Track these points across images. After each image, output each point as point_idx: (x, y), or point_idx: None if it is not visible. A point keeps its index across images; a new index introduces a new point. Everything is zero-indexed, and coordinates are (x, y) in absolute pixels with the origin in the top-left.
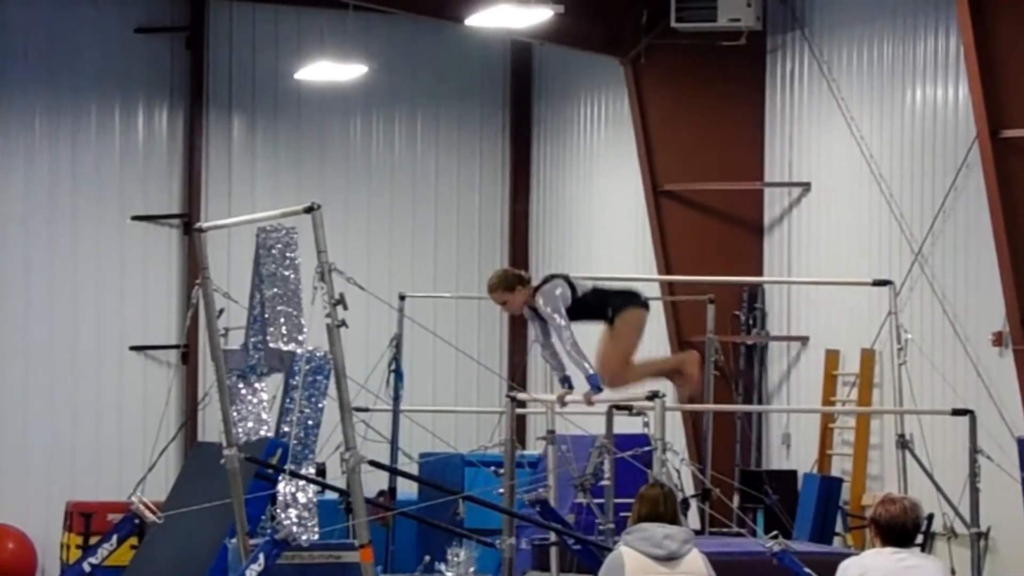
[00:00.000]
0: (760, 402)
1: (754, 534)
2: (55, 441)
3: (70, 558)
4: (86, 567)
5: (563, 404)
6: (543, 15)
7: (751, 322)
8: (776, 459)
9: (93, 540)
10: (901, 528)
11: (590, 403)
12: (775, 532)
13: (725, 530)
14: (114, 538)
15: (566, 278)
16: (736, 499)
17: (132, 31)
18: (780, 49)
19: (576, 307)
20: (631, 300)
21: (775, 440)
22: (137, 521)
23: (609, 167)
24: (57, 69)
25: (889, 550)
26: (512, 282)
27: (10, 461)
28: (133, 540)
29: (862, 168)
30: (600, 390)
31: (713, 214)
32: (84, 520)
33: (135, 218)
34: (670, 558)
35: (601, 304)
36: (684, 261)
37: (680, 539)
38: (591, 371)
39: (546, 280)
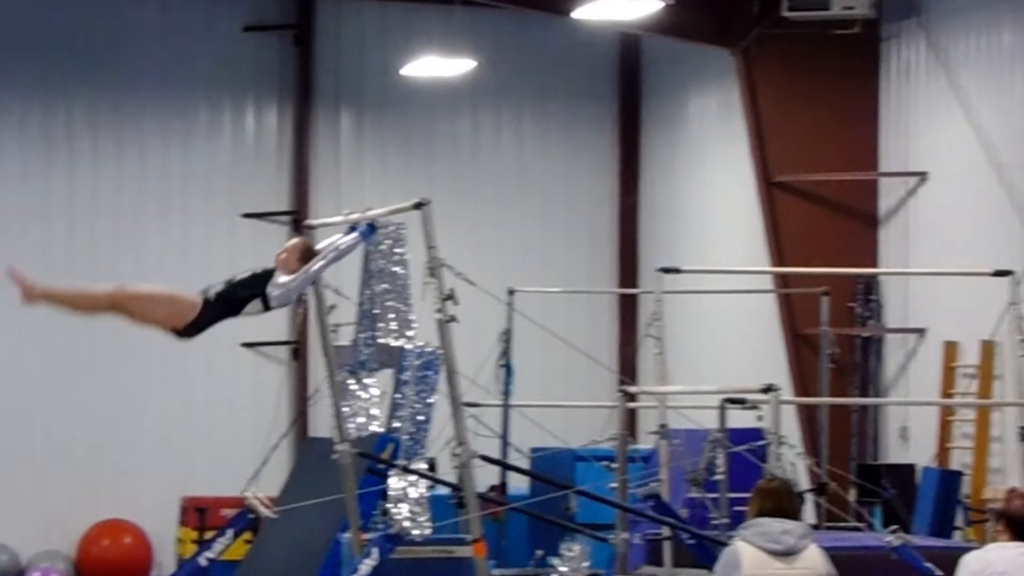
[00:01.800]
0: (876, 395)
1: (872, 528)
2: (169, 437)
3: (186, 553)
4: (202, 561)
5: None
6: (651, 7)
7: (867, 314)
8: (894, 453)
9: (208, 535)
10: None
11: None
12: (894, 526)
13: (842, 524)
14: (229, 533)
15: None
16: (853, 493)
17: (241, 29)
18: (895, 37)
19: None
20: None
21: (892, 433)
22: (251, 516)
23: (719, 159)
24: (168, 69)
25: (1014, 544)
26: (306, 259)
27: (126, 457)
28: (247, 535)
29: (980, 157)
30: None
31: (826, 205)
32: (199, 515)
33: (245, 215)
34: (788, 553)
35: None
36: (797, 253)
37: (798, 534)
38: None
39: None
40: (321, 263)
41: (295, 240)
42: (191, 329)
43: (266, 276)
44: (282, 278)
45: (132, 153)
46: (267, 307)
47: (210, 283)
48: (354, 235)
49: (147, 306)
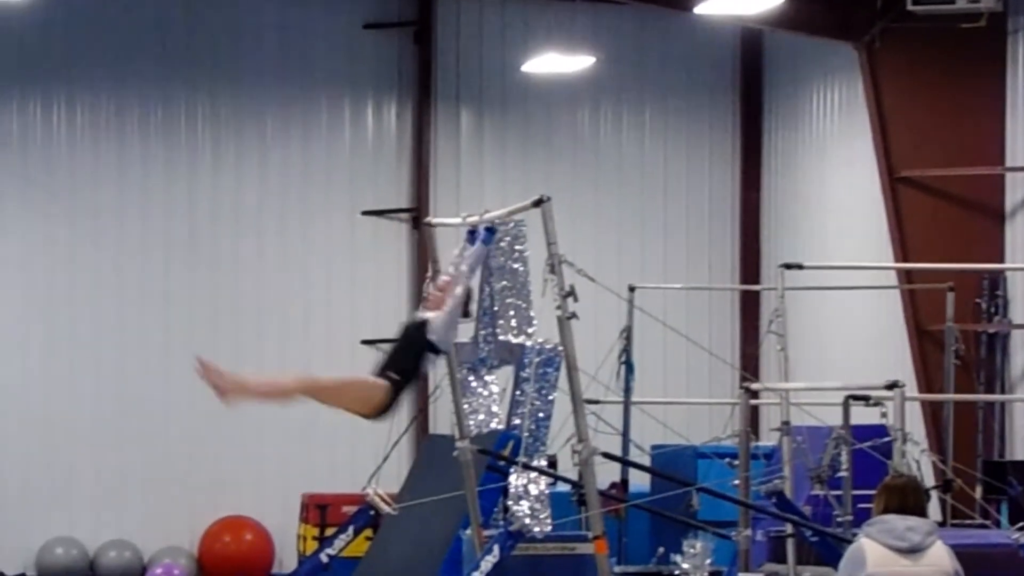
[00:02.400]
0: (1003, 391)
1: (999, 525)
2: (290, 434)
3: (307, 549)
4: (323, 558)
5: None
6: (774, 1)
7: (992, 310)
8: (1020, 449)
9: (329, 531)
10: None
11: None
12: (1021, 523)
13: (968, 522)
14: (350, 529)
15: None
16: (979, 490)
17: (361, 27)
18: (1022, 30)
19: (417, 357)
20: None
21: (1019, 430)
22: (372, 513)
23: (843, 154)
24: (288, 66)
25: None
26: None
27: (247, 454)
28: (368, 532)
29: None
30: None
31: (952, 200)
32: (320, 512)
33: (365, 213)
34: (913, 550)
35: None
36: (922, 248)
37: (923, 531)
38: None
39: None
40: (462, 285)
41: (445, 278)
42: (383, 413)
43: (419, 328)
44: (435, 320)
45: (253, 150)
46: (438, 353)
47: (375, 359)
48: (477, 246)
49: (335, 396)
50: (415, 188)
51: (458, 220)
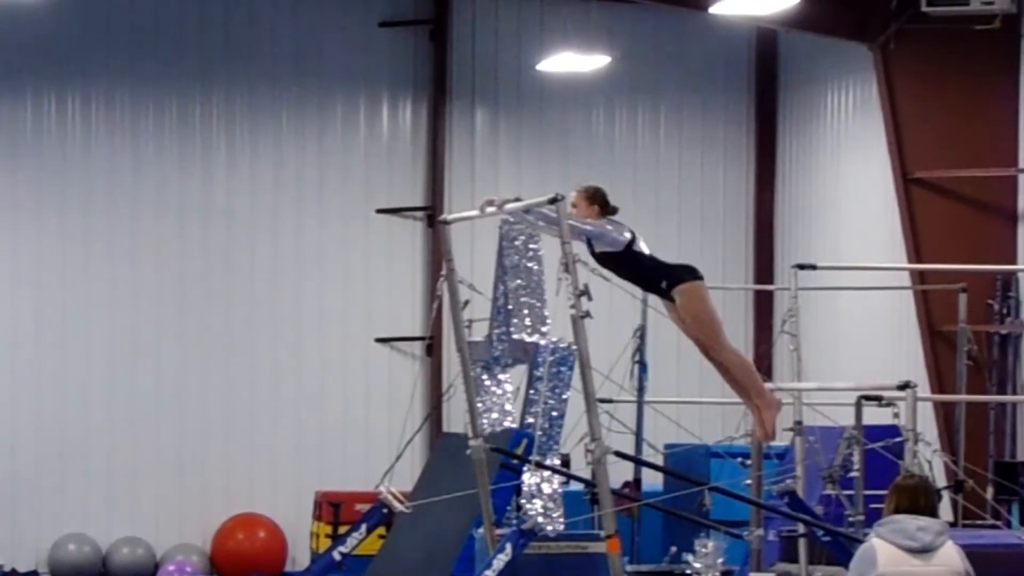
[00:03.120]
0: (1015, 392)
1: (1009, 526)
2: (304, 432)
3: (320, 547)
4: (336, 556)
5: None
6: (789, 2)
7: (1005, 311)
8: None
9: (342, 529)
10: None
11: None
12: None
13: (979, 522)
14: (363, 527)
15: (632, 233)
16: (990, 491)
17: (376, 25)
18: None
19: (628, 260)
20: (689, 271)
21: None
22: (385, 511)
23: (856, 155)
24: (303, 64)
25: None
26: (598, 200)
27: (260, 452)
28: (381, 530)
29: None
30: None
31: (965, 201)
32: (333, 510)
33: (380, 211)
34: (924, 550)
35: (655, 272)
36: (935, 249)
37: (934, 531)
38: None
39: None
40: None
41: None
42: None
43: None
44: (601, 238)
45: (267, 148)
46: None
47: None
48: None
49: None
50: (430, 187)
51: (476, 212)
